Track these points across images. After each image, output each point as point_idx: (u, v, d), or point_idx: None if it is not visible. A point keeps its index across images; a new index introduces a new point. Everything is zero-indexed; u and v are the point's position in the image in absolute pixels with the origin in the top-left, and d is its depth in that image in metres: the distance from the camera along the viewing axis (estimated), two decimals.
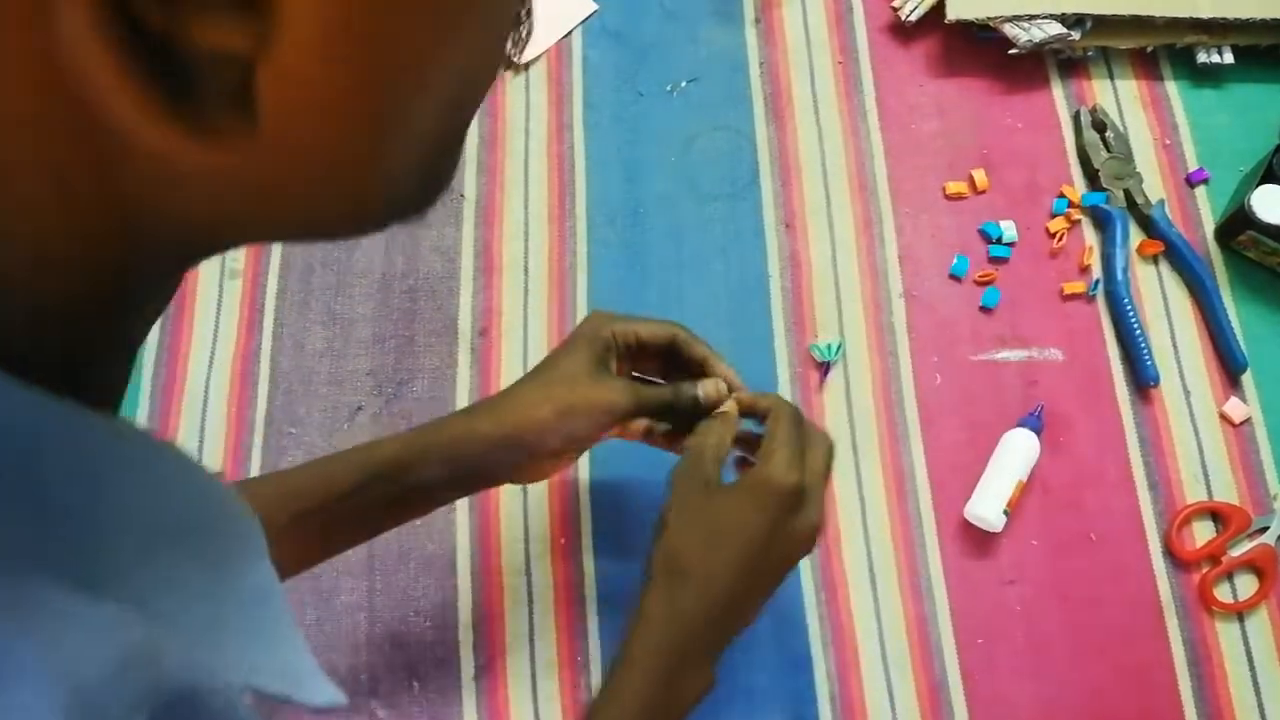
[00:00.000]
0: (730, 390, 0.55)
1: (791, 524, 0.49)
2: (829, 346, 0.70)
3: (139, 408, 0.70)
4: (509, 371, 0.71)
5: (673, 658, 0.47)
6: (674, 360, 0.56)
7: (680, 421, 0.55)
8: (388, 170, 0.22)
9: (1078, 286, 0.72)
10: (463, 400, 0.70)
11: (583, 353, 0.53)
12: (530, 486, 0.67)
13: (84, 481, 0.21)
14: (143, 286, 0.23)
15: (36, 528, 0.20)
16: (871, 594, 0.65)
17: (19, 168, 0.18)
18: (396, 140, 0.22)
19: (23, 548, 0.19)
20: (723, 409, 0.54)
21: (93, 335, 0.23)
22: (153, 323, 0.25)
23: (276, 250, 0.75)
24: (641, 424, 0.56)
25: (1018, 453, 0.65)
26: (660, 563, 0.49)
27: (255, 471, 0.68)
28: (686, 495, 0.50)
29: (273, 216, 0.23)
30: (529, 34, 0.26)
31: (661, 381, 0.57)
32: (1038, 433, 0.66)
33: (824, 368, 0.70)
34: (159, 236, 0.22)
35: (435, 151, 0.24)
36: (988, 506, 0.64)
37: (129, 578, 0.22)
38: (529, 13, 0.26)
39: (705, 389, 0.54)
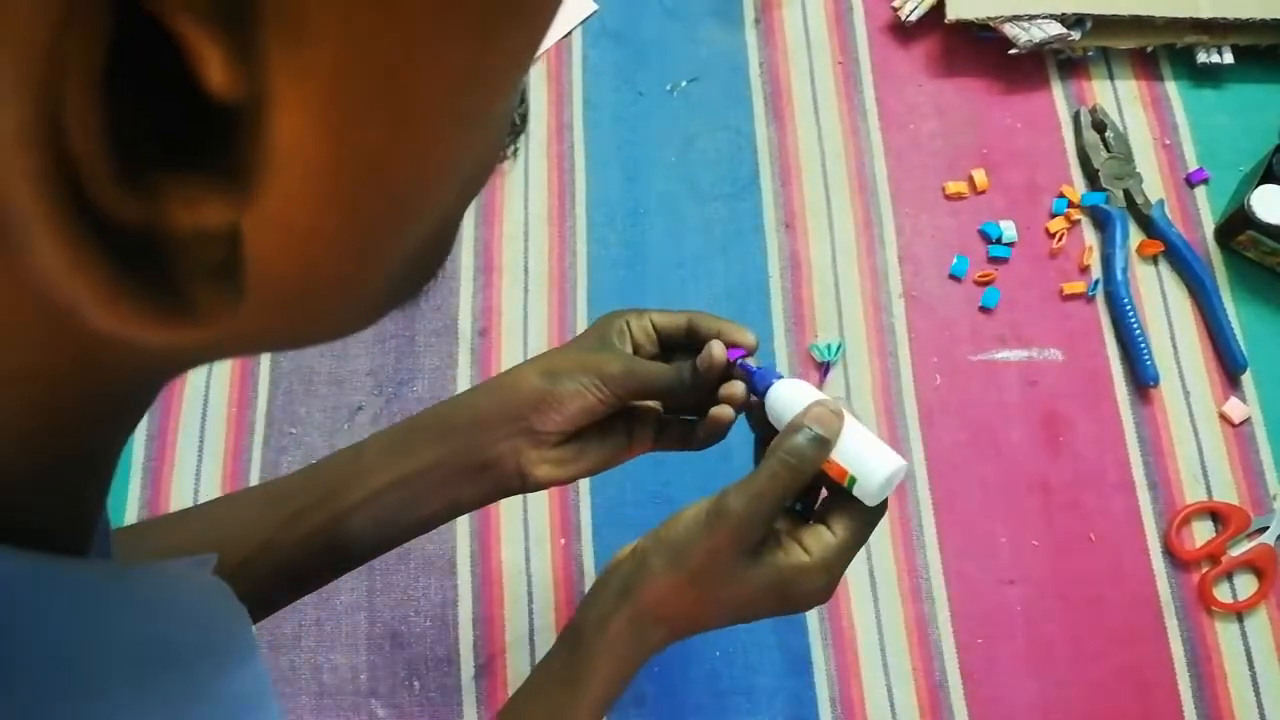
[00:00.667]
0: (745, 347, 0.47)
1: (800, 604, 0.45)
2: (829, 347, 0.70)
3: None
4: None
5: (625, 676, 0.45)
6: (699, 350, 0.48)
7: (688, 404, 0.50)
8: (380, 284, 0.21)
9: (1077, 286, 0.72)
10: None
11: (588, 336, 0.49)
12: None
13: (45, 629, 0.20)
14: (112, 416, 0.22)
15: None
16: (871, 595, 0.65)
17: None
18: (391, 259, 0.21)
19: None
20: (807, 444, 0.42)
21: (61, 468, 0.21)
22: (128, 436, 0.24)
23: None
24: (650, 412, 0.51)
25: (799, 396, 0.45)
26: (648, 599, 0.44)
27: (255, 472, 0.68)
28: (716, 549, 0.42)
29: (258, 346, 0.23)
30: (522, 129, 0.25)
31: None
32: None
33: (824, 368, 0.70)
34: (130, 381, 0.21)
35: (429, 252, 0.23)
36: (885, 461, 0.42)
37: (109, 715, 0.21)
38: (524, 116, 0.25)
39: (705, 354, 0.46)
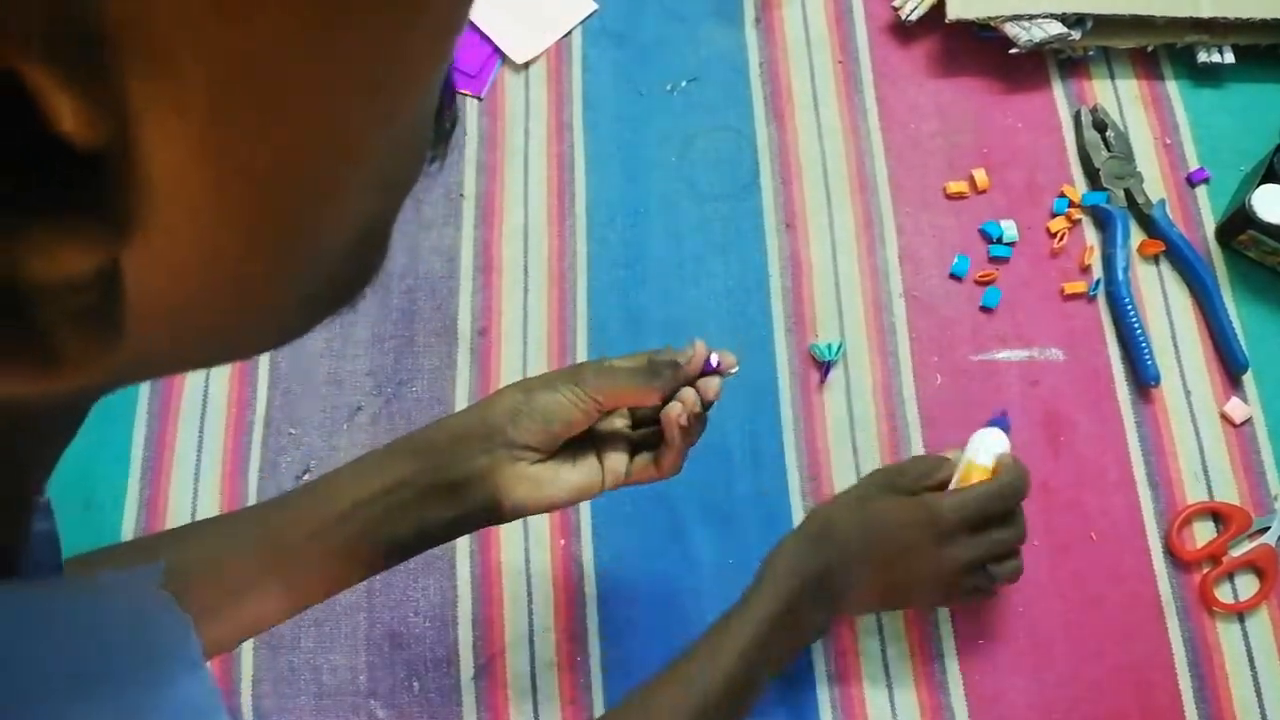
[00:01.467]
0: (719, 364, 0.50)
1: (935, 554, 0.55)
2: (829, 346, 0.70)
3: (137, 411, 0.70)
4: (508, 372, 0.71)
5: (798, 593, 0.53)
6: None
7: (658, 411, 0.50)
8: (291, 301, 0.20)
9: (1078, 286, 0.72)
10: (462, 400, 0.70)
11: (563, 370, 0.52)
12: None
13: None
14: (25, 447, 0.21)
15: None
16: None
17: None
18: (300, 277, 0.19)
19: None
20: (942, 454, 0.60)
21: None
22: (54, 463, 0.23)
23: None
24: (621, 438, 0.52)
25: (977, 444, 0.60)
26: (813, 522, 0.57)
27: (254, 472, 0.68)
28: (869, 487, 0.58)
29: (169, 369, 0.22)
30: (450, 133, 0.24)
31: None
32: (1006, 430, 0.62)
33: (825, 367, 0.69)
34: (26, 420, 0.19)
35: (354, 260, 0.21)
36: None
37: None
38: (454, 121, 0.24)
39: (688, 351, 0.49)
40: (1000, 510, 0.57)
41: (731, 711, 0.51)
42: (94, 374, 0.15)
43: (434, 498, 0.48)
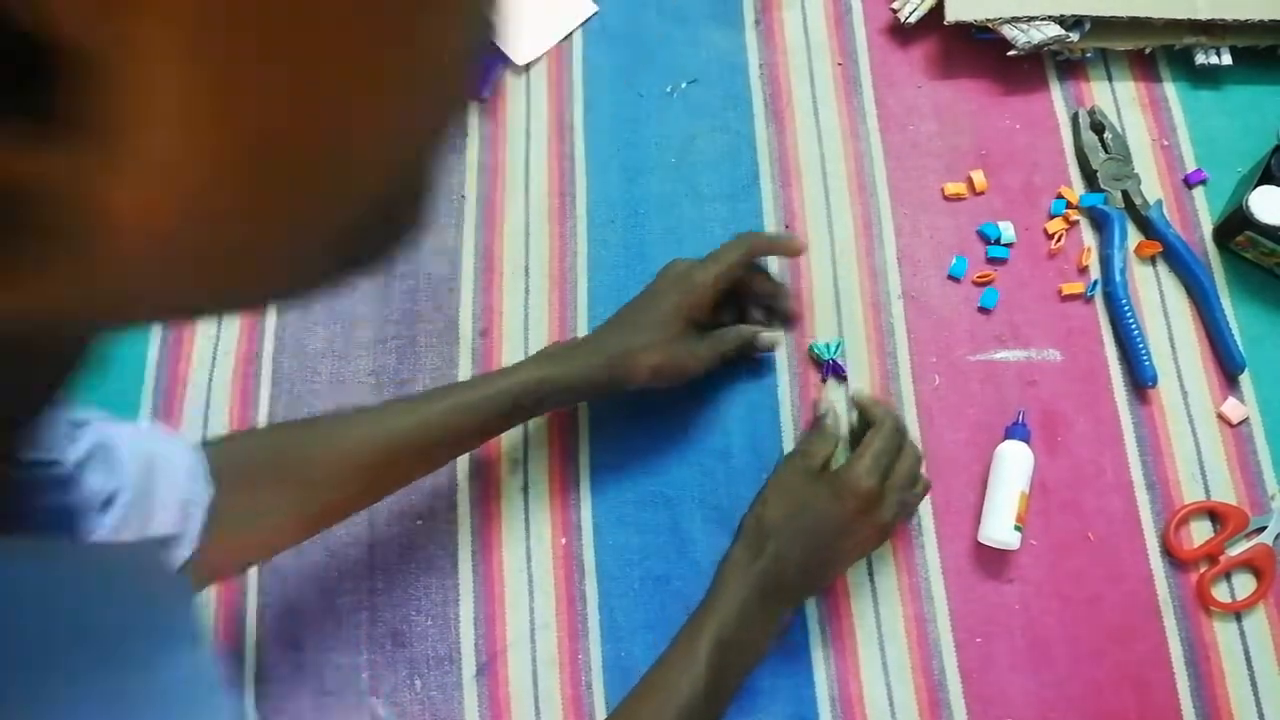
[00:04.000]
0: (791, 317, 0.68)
1: (863, 519, 0.59)
2: (829, 345, 0.70)
3: (141, 410, 0.70)
4: None
5: (751, 598, 0.58)
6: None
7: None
8: (312, 248, 0.18)
9: (1076, 287, 0.72)
10: None
11: (675, 311, 0.62)
12: (532, 488, 0.68)
13: None
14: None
15: None
16: (871, 594, 0.65)
17: None
18: (318, 224, 0.18)
19: None
20: (828, 421, 0.65)
21: None
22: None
23: None
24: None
25: (1015, 465, 0.65)
26: (751, 525, 0.61)
27: None
28: (788, 477, 0.62)
29: (165, 308, 0.19)
30: (491, 74, 0.23)
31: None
32: (1027, 439, 0.66)
33: (825, 366, 0.70)
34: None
35: (387, 210, 0.20)
36: (998, 527, 0.64)
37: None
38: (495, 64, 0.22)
39: (767, 340, 0.67)
40: (896, 449, 0.62)
41: (709, 715, 0.56)
42: (61, 290, 0.14)
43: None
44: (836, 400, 0.68)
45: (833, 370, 0.70)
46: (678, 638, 0.57)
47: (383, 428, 0.57)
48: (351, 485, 0.57)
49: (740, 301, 0.67)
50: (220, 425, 0.70)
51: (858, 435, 0.66)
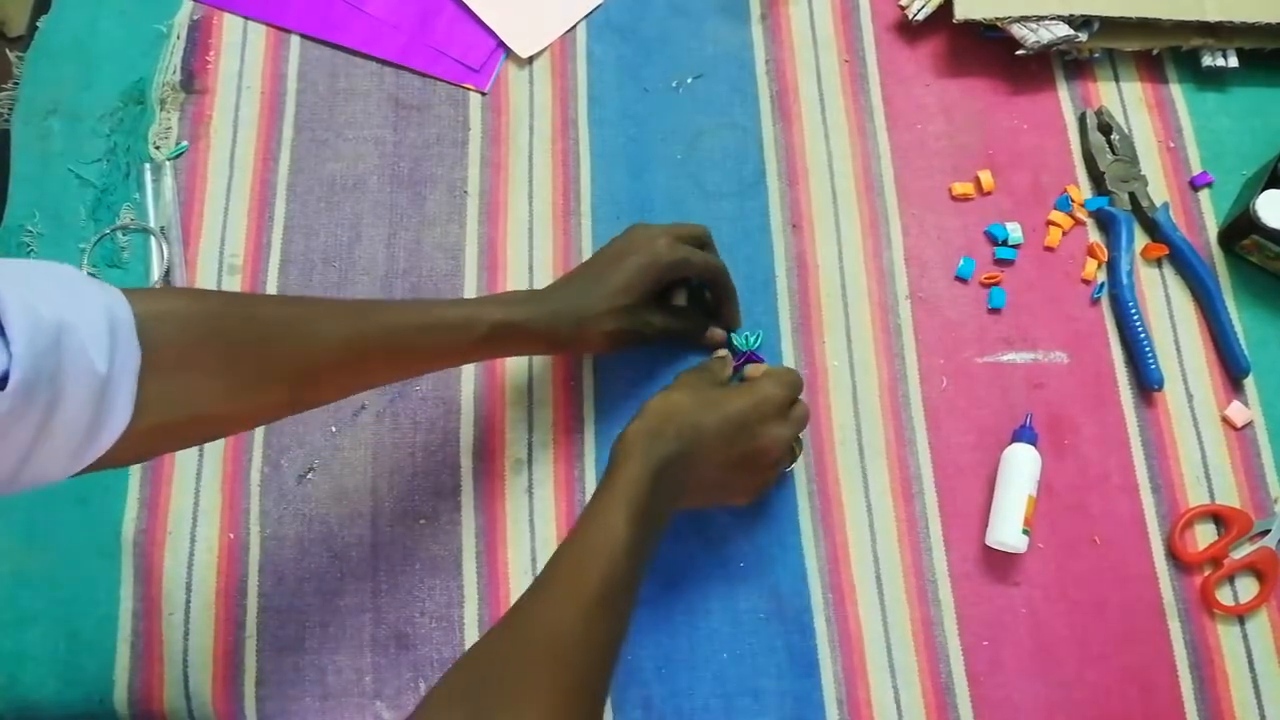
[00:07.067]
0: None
1: (769, 426, 0.59)
2: (748, 337, 0.70)
3: None
4: (513, 369, 0.70)
5: (654, 471, 0.54)
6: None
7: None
8: None
9: (1086, 276, 0.72)
10: (467, 399, 0.69)
11: (639, 278, 0.63)
12: (536, 488, 0.67)
13: None
14: None
15: None
16: (878, 597, 0.65)
17: None
18: None
19: None
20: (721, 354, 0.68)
21: None
22: None
23: (276, 246, 0.74)
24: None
25: (1021, 468, 0.65)
26: (656, 413, 0.56)
27: (257, 472, 0.68)
28: (695, 377, 0.63)
29: None
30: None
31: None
32: (1034, 442, 0.66)
33: (742, 356, 0.70)
34: None
35: None
36: (1007, 530, 0.64)
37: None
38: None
39: (713, 337, 0.70)
40: (799, 388, 0.62)
41: (623, 598, 0.51)
42: None
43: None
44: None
45: (748, 360, 0.70)
46: (586, 514, 0.53)
47: (355, 329, 0.54)
48: (308, 385, 0.53)
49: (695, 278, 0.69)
50: None
51: None
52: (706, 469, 0.57)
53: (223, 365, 0.47)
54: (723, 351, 0.69)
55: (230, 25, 0.81)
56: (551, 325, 0.60)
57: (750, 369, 0.66)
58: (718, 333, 0.70)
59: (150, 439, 0.45)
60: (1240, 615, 0.65)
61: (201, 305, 0.49)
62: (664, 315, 0.66)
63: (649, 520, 0.53)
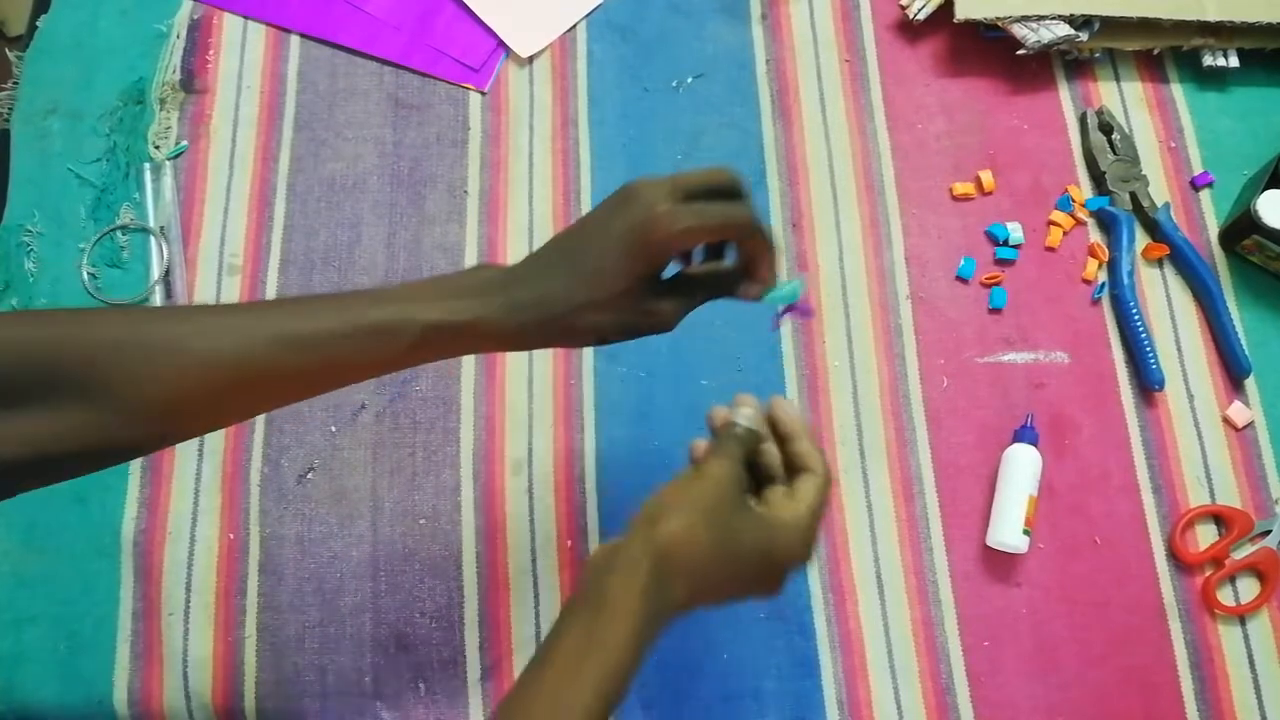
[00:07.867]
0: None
1: (774, 575, 0.48)
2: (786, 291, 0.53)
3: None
4: (513, 369, 0.70)
5: (645, 634, 0.44)
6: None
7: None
8: None
9: (1087, 276, 0.72)
10: (467, 399, 0.69)
11: (629, 258, 0.47)
12: (537, 489, 0.67)
13: None
14: None
15: None
16: (879, 597, 0.65)
17: None
18: None
19: None
20: (745, 427, 0.51)
21: None
22: None
23: (276, 246, 0.74)
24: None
25: (1023, 469, 0.65)
26: (663, 545, 0.45)
27: (256, 472, 0.68)
28: (717, 492, 0.47)
29: None
30: None
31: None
32: (1035, 443, 0.66)
33: (783, 311, 0.54)
34: None
35: None
36: (1008, 531, 0.64)
37: None
38: None
39: (749, 291, 0.51)
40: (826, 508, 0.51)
41: None
42: None
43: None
44: (748, 408, 0.52)
45: (801, 312, 0.56)
46: (556, 656, 0.44)
47: (239, 345, 0.43)
48: (177, 418, 0.43)
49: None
50: (220, 431, 0.68)
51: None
52: (707, 604, 0.48)
53: (60, 400, 0.40)
54: (768, 446, 0.52)
55: (230, 25, 0.81)
56: (507, 323, 0.46)
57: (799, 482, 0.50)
58: (752, 290, 0.51)
59: None
60: (1241, 616, 0.65)
61: (32, 330, 0.42)
62: (672, 299, 0.50)
63: (628, 682, 0.44)
